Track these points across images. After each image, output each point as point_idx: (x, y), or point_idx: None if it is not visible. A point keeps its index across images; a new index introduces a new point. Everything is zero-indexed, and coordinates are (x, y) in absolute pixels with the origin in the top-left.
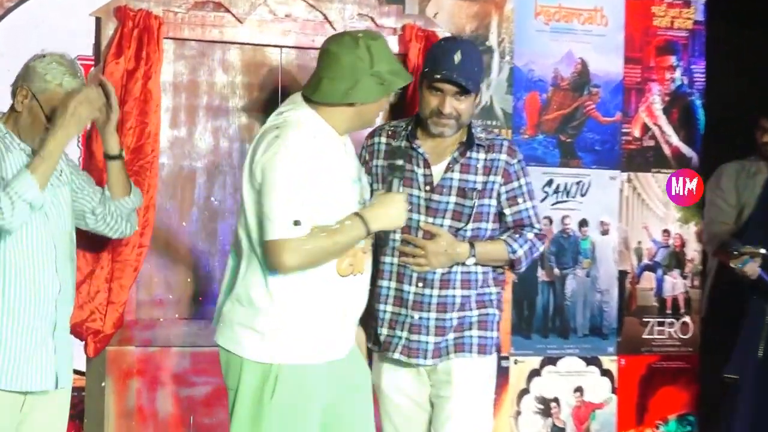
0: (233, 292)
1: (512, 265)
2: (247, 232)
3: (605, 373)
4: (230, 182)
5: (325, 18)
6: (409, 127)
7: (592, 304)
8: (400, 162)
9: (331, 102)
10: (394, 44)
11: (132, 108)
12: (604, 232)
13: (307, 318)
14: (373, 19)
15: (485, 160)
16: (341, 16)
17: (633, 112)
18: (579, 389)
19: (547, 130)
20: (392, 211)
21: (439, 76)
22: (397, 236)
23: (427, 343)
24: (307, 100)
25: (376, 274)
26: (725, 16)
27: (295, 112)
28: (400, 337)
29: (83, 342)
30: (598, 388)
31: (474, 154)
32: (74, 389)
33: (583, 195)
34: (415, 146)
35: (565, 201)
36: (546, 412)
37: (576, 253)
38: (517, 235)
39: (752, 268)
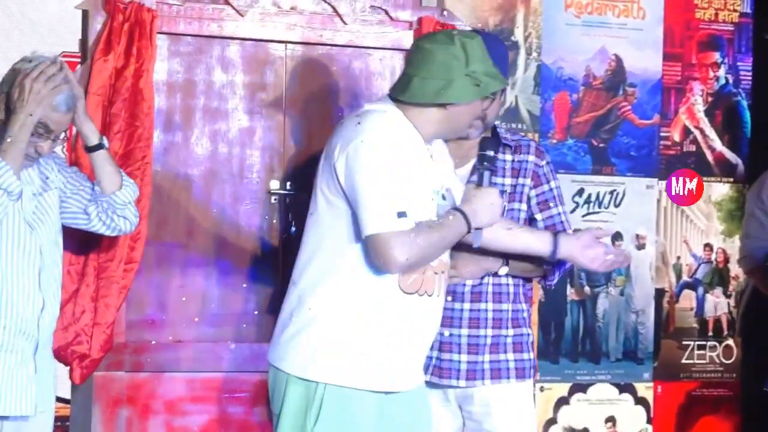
0: (287, 301)
1: (545, 275)
2: (317, 234)
3: (640, 401)
4: (230, 191)
5: (334, 10)
6: None
7: (626, 325)
8: (491, 153)
9: (422, 102)
10: (409, 39)
11: (121, 110)
12: (640, 247)
13: (364, 336)
14: (386, 12)
15: (513, 161)
16: (352, 9)
17: (672, 114)
18: (611, 419)
19: (577, 134)
20: (492, 206)
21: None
22: None
23: (459, 362)
24: (395, 101)
25: None
26: None
27: (379, 105)
28: (430, 357)
29: (68, 367)
30: (633, 418)
31: (501, 155)
32: (58, 418)
33: (617, 206)
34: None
35: (597, 212)
36: None
37: (609, 270)
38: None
39: None
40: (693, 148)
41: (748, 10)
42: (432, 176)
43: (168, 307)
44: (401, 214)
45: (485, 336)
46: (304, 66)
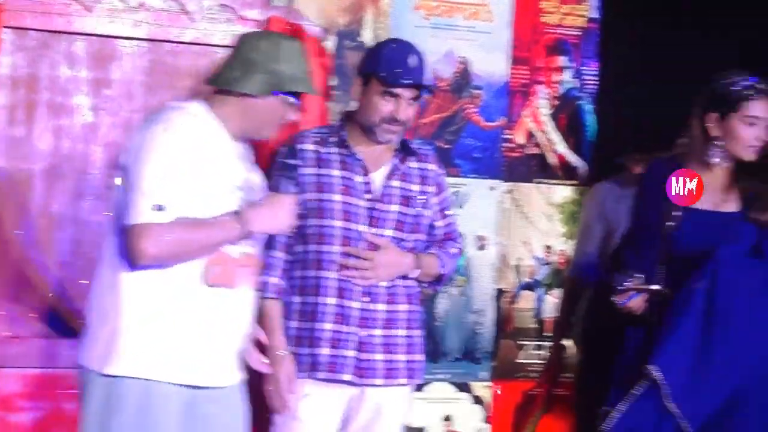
0: (90, 297)
1: (438, 281)
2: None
3: (477, 400)
4: (72, 187)
5: (182, 8)
6: (341, 133)
7: (466, 325)
8: (292, 161)
9: (221, 87)
10: None
11: None
12: (482, 248)
13: (162, 328)
14: (235, 11)
15: (418, 169)
16: (200, 6)
17: (517, 117)
18: (448, 418)
19: (424, 134)
20: (277, 212)
21: (404, 82)
22: (335, 249)
23: (377, 361)
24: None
25: (310, 291)
26: (623, 13)
27: (181, 102)
28: (345, 357)
29: None
30: (470, 417)
31: (410, 162)
32: None
33: (460, 207)
34: (353, 151)
35: None
36: None
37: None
38: (444, 250)
39: (637, 303)
40: (536, 150)
41: (595, 16)
42: (234, 171)
43: (2, 302)
44: (159, 207)
45: (402, 336)
46: (150, 62)
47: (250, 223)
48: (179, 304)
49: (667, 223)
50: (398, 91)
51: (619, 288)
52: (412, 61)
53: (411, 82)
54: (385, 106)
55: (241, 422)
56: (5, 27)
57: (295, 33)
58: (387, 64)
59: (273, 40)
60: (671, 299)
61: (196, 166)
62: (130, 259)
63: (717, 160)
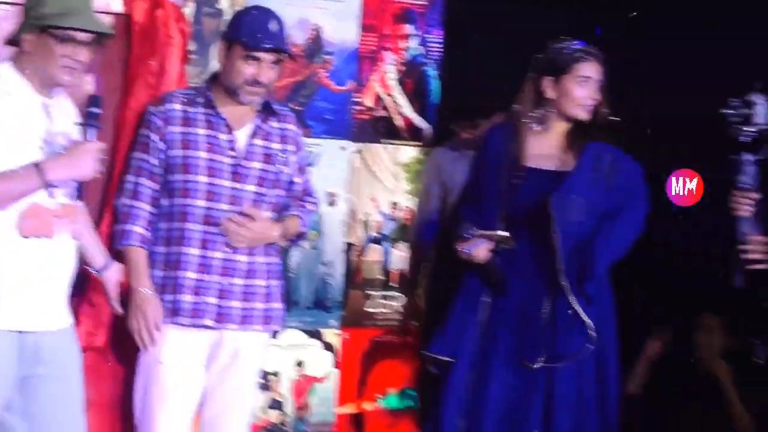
0: None
1: (298, 237)
2: None
3: (327, 346)
4: None
5: None
6: (208, 94)
7: (317, 276)
8: (96, 110)
9: (14, 45)
10: (118, 4)
11: None
12: (332, 204)
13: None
14: None
15: (279, 128)
16: None
17: (366, 82)
18: (300, 363)
19: (279, 97)
20: (78, 161)
21: (265, 46)
22: (199, 203)
23: (236, 308)
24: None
25: (174, 242)
26: None
27: None
28: (208, 303)
29: None
30: (320, 362)
31: (272, 122)
32: None
33: (311, 165)
34: (218, 111)
35: None
36: (265, 386)
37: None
38: (303, 209)
39: (482, 252)
40: (384, 113)
41: None
42: (38, 128)
43: None
44: None
45: (259, 286)
46: None
47: (48, 172)
48: (1, 256)
49: (511, 182)
50: (259, 54)
51: (465, 235)
52: (272, 26)
53: (271, 46)
54: (247, 69)
55: (76, 363)
56: None
57: (157, 1)
58: (248, 29)
59: None
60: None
61: None
62: None
63: (541, 125)
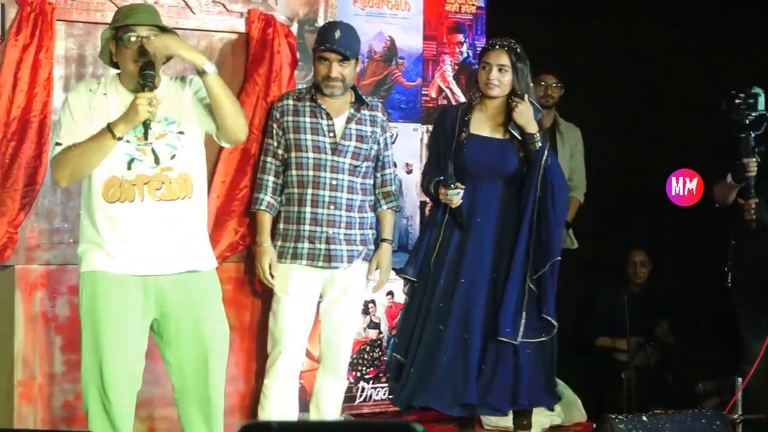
0: None
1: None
2: None
3: None
4: None
5: (186, 4)
6: (312, 91)
7: (400, 227)
8: (150, 72)
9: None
10: (241, 25)
11: (24, 74)
12: (409, 172)
13: (93, 233)
14: (224, 5)
15: (369, 115)
16: (198, 2)
17: (430, 78)
18: (390, 293)
19: (366, 92)
20: (132, 110)
21: (323, 48)
22: (310, 173)
23: (340, 251)
24: None
25: (294, 202)
26: (503, 2)
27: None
28: (319, 248)
29: None
30: None
31: (363, 111)
32: None
33: (393, 143)
34: (319, 103)
35: None
36: (365, 311)
37: None
38: (391, 185)
39: (456, 199)
40: (445, 102)
41: (482, 5)
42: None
43: (70, 218)
44: (58, 144)
45: (356, 234)
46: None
47: (115, 129)
48: (96, 217)
49: (459, 142)
50: (327, 55)
51: (450, 184)
52: (336, 34)
53: (333, 47)
54: (321, 69)
55: (205, 299)
56: (58, 20)
57: (269, 21)
58: (320, 38)
59: (118, 12)
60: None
61: (88, 115)
62: None
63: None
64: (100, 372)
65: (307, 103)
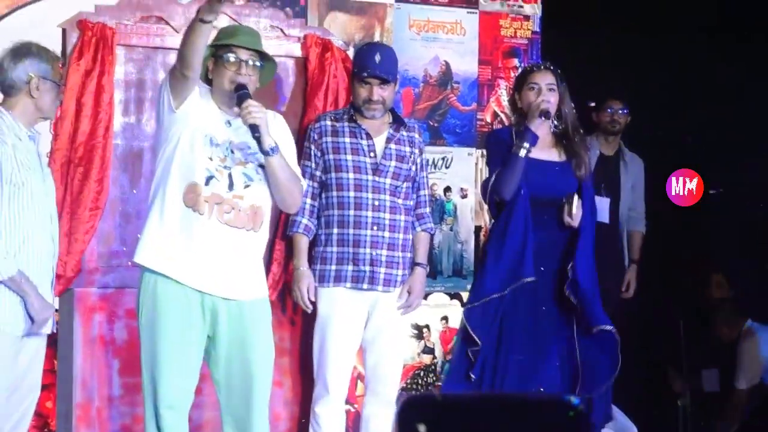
0: None
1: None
2: None
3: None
4: None
5: None
6: (350, 112)
7: (455, 252)
8: (246, 92)
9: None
10: (298, 50)
11: (88, 99)
12: (464, 196)
13: (159, 229)
14: (282, 30)
15: (407, 136)
16: (258, 27)
17: (485, 103)
18: (445, 318)
19: (419, 117)
20: (244, 117)
21: (365, 74)
22: (350, 194)
23: (382, 273)
24: None
25: (336, 224)
26: (558, 27)
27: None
28: (363, 270)
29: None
30: (460, 317)
31: (402, 131)
32: None
33: (447, 167)
34: (359, 123)
35: (433, 172)
36: (419, 336)
37: (442, 213)
38: (426, 219)
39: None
40: (500, 126)
41: (537, 30)
42: (210, 125)
43: (128, 241)
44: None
45: (398, 256)
46: None
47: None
48: (167, 214)
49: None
50: (368, 78)
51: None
52: (376, 57)
53: (372, 72)
54: (362, 92)
55: (255, 326)
56: (118, 45)
57: (326, 45)
58: (360, 61)
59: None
60: None
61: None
62: None
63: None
64: (155, 385)
65: (346, 124)
